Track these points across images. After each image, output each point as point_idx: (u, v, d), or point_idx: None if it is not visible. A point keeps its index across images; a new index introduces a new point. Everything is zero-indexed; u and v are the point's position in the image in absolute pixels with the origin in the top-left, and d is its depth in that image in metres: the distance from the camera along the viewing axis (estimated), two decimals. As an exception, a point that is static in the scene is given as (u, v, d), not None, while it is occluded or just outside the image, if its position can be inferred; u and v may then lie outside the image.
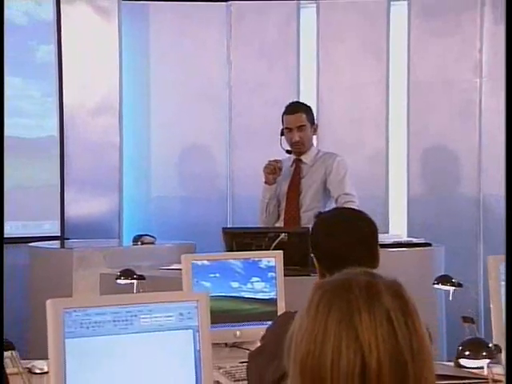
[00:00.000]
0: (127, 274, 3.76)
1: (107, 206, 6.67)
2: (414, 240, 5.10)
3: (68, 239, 6.37)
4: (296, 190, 5.28)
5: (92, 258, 4.97)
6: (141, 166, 6.92)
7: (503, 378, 3.20)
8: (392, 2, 6.78)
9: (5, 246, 6.08)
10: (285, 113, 5.34)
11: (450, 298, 3.55)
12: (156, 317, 2.23)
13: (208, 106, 6.86)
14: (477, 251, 6.48)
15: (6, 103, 6.43)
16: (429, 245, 5.05)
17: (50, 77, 6.55)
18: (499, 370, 3.29)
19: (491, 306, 3.34)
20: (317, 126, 5.45)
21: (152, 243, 5.53)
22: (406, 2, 6.76)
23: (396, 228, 6.67)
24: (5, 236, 6.22)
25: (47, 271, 5.25)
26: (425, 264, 4.81)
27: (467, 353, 2.27)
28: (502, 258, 3.39)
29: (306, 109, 5.39)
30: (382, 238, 4.87)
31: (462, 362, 2.28)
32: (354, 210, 3.09)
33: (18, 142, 6.47)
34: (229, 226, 6.65)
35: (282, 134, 5.35)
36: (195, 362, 2.26)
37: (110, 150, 6.69)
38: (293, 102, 5.55)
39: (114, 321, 2.18)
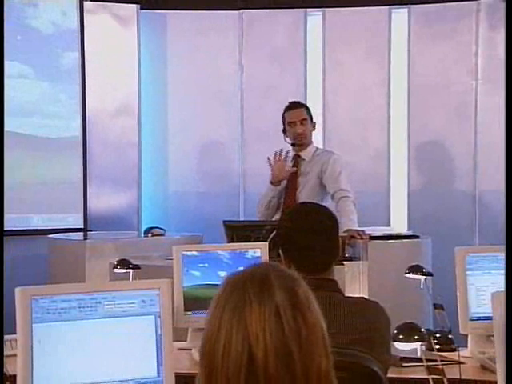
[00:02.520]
0: (123, 263, 3.79)
1: (127, 201, 6.72)
2: (403, 232, 5.09)
3: (90, 231, 6.43)
4: (294, 184, 5.27)
5: (104, 249, 5.00)
6: (159, 164, 6.96)
7: (466, 360, 3.23)
8: (393, 10, 6.75)
9: (31, 237, 6.17)
10: (287, 110, 5.37)
11: (421, 287, 3.54)
12: (119, 303, 2.25)
13: (221, 107, 6.89)
14: (472, 243, 6.44)
15: (36, 106, 6.52)
16: (417, 237, 5.02)
17: (75, 81, 6.60)
18: (466, 353, 3.31)
19: (458, 294, 3.34)
20: (315, 123, 5.43)
21: (162, 235, 5.55)
22: (406, 10, 6.73)
23: (397, 221, 6.67)
24: (31, 228, 6.33)
25: (63, 261, 5.28)
26: (412, 255, 4.77)
27: (401, 336, 2.26)
28: (469, 249, 3.40)
29: (306, 106, 5.44)
30: (373, 231, 4.91)
31: (397, 344, 2.28)
32: (316, 204, 3.08)
33: (45, 141, 6.55)
34: (241, 219, 6.66)
35: (284, 132, 5.36)
36: (157, 346, 2.28)
37: (130, 148, 6.74)
38: (293, 101, 5.54)
39: (79, 307, 2.20)
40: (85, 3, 6.64)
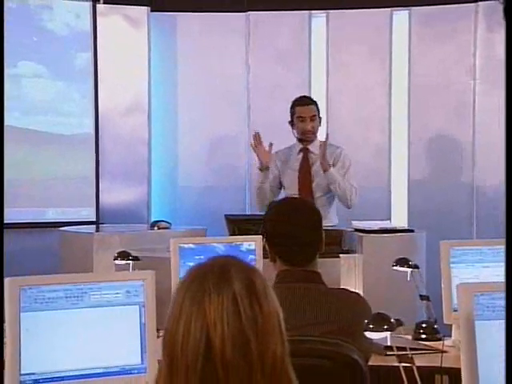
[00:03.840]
0: (123, 255, 3.80)
1: (137, 195, 6.75)
2: (398, 226, 5.07)
3: (103, 224, 6.47)
4: (308, 177, 5.18)
5: (111, 242, 5.01)
6: (169, 159, 6.98)
7: (450, 349, 3.23)
8: (394, 12, 6.73)
9: (46, 229, 6.20)
10: (298, 104, 5.24)
11: (408, 279, 3.53)
12: (105, 293, 2.27)
13: (229, 105, 6.89)
14: (470, 235, 6.43)
15: (50, 105, 6.56)
16: (411, 231, 5.01)
17: (87, 81, 6.63)
18: (449, 343, 3.31)
19: (442, 286, 3.34)
20: (321, 119, 5.31)
21: (167, 228, 5.55)
22: (407, 12, 6.71)
23: (397, 215, 6.66)
24: (46, 221, 6.37)
25: (73, 253, 5.30)
26: (407, 248, 4.75)
27: (371, 326, 2.27)
28: (453, 243, 3.39)
29: (315, 102, 5.32)
30: (370, 225, 4.90)
31: (368, 334, 2.28)
32: (301, 199, 3.09)
33: (60, 138, 6.60)
34: (247, 213, 6.67)
35: (291, 124, 5.26)
36: (141, 334, 2.30)
37: (140, 145, 6.77)
38: (304, 96, 5.46)
39: (66, 297, 2.23)
40: (97, 6, 6.66)
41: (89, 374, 2.23)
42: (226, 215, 4.78)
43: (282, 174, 5.29)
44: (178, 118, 6.96)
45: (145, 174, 6.78)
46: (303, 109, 5.22)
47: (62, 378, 2.20)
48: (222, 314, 1.42)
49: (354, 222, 5.10)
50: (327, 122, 6.66)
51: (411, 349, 3.17)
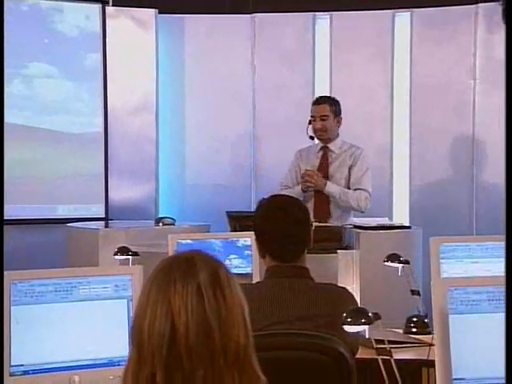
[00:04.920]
0: (123, 250, 3.81)
1: (145, 192, 6.76)
2: (396, 223, 5.07)
3: (111, 220, 6.48)
4: (325, 175, 5.15)
5: (116, 237, 5.02)
6: (176, 158, 6.99)
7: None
8: (397, 14, 6.71)
9: (56, 225, 6.23)
10: (313, 103, 5.27)
11: (399, 274, 3.53)
12: (94, 288, 2.28)
13: (235, 105, 6.89)
14: (471, 232, 6.40)
15: (61, 104, 6.59)
16: (408, 227, 5.01)
17: (97, 81, 6.64)
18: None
19: (431, 282, 3.32)
20: (341, 118, 5.27)
21: (172, 224, 5.56)
22: (409, 13, 6.69)
23: (399, 213, 6.65)
24: (57, 217, 6.39)
25: (80, 248, 5.32)
26: (404, 244, 4.74)
27: (349, 319, 2.27)
28: (443, 239, 3.38)
29: (331, 101, 5.25)
30: (367, 222, 4.89)
31: (346, 327, 2.28)
32: (289, 197, 3.08)
33: (70, 136, 6.62)
34: (252, 210, 6.65)
35: (310, 123, 5.23)
36: (129, 327, 2.29)
37: (148, 143, 6.78)
38: (321, 95, 5.49)
39: (56, 291, 2.24)
40: (107, 8, 6.68)
41: (77, 366, 2.24)
42: (227, 212, 4.80)
43: (302, 170, 5.25)
44: (185, 117, 6.97)
45: (152, 172, 6.79)
46: (315, 108, 5.23)
47: (51, 370, 2.22)
48: (186, 303, 1.45)
49: (353, 219, 5.11)
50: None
51: (398, 342, 3.19)
